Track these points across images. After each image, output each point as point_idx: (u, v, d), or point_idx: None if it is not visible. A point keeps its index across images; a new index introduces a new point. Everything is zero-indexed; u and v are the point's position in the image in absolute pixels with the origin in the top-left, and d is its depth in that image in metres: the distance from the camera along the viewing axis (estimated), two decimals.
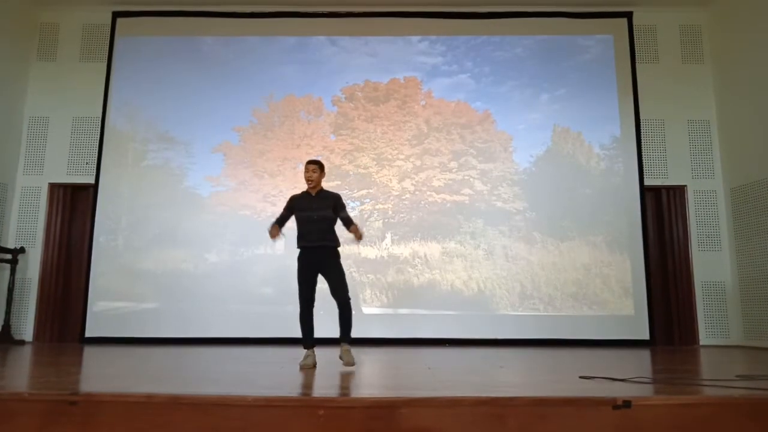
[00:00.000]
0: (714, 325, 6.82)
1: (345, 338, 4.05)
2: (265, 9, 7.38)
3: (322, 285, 4.13)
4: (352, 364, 3.90)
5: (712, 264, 6.93)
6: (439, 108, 7.26)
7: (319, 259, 4.10)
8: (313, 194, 4.22)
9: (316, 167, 4.20)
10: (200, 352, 5.32)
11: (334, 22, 7.40)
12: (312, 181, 4.18)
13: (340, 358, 3.99)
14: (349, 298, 4.11)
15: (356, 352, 5.46)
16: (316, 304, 4.14)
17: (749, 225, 6.67)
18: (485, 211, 7.00)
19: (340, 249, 4.23)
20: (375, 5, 7.32)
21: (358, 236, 4.15)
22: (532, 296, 6.81)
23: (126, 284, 6.85)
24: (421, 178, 7.09)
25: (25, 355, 5.04)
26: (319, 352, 4.10)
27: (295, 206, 4.23)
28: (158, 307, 6.80)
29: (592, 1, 7.25)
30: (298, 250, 4.18)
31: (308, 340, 4.09)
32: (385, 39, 7.42)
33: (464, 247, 6.92)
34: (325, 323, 4.26)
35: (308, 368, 3.87)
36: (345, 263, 6.86)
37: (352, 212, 7.07)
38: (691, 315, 6.85)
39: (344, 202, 4.33)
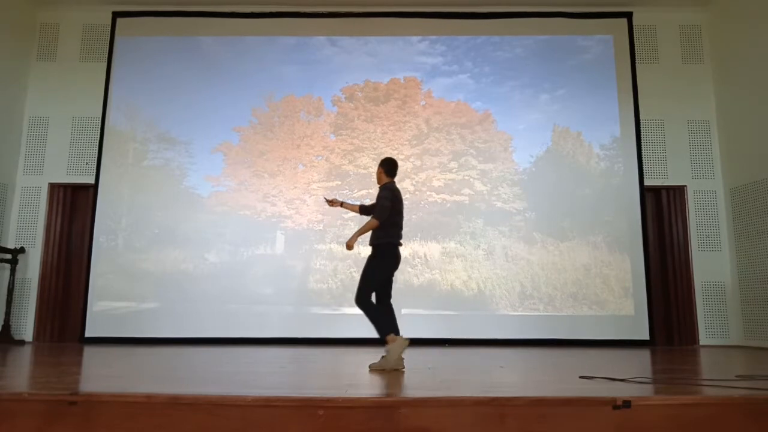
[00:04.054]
0: (714, 325, 6.82)
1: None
2: (264, 9, 7.39)
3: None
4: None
5: (712, 264, 6.93)
6: (439, 108, 7.26)
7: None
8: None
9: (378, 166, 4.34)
10: (200, 352, 5.32)
11: (334, 22, 7.40)
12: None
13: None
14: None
15: (356, 352, 5.47)
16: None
17: (749, 225, 6.67)
18: (485, 211, 7.01)
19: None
20: (375, 5, 7.32)
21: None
22: (532, 296, 6.81)
23: (126, 284, 6.86)
24: (421, 178, 7.09)
25: (25, 355, 5.04)
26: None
27: (398, 199, 4.30)
28: (158, 307, 6.81)
29: (592, 1, 7.25)
30: (392, 245, 4.37)
31: (395, 327, 4.22)
32: (385, 39, 7.42)
33: (464, 247, 6.93)
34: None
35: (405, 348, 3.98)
36: (344, 264, 6.94)
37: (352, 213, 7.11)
38: (690, 315, 6.85)
39: (382, 193, 4.26)
